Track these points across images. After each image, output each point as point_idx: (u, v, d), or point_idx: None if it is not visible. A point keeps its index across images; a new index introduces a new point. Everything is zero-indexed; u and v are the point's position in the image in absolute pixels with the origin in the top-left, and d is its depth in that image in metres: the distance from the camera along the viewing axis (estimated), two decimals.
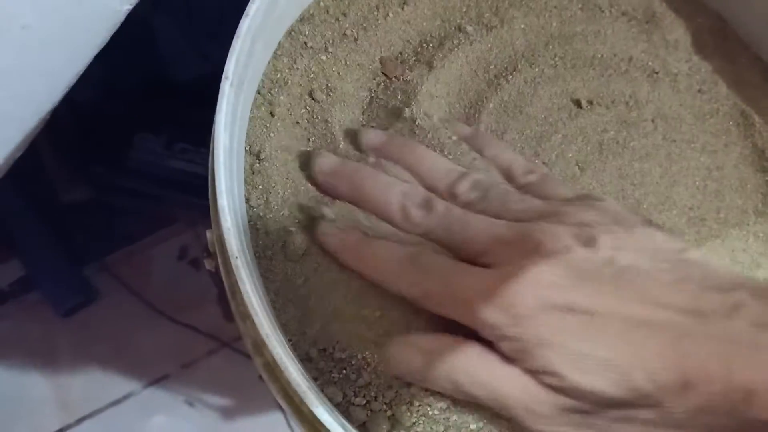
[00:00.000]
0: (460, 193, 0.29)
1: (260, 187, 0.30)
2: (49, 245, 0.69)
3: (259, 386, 0.72)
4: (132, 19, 0.35)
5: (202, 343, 0.72)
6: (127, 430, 0.70)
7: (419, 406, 0.29)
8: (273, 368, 0.26)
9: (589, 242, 0.24)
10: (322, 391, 0.28)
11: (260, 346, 0.27)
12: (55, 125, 0.38)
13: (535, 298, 0.23)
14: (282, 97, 0.32)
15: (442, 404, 0.29)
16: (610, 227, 0.25)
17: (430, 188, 0.30)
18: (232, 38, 0.28)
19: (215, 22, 0.58)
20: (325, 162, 0.30)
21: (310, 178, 0.31)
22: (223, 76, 0.28)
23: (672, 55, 0.38)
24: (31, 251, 0.69)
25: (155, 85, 0.62)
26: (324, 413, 0.24)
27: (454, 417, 0.29)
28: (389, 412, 0.29)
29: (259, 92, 0.32)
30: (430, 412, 0.29)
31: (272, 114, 0.31)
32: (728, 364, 0.21)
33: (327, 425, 0.24)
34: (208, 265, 0.31)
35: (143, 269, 0.74)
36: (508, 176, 0.30)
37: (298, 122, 0.32)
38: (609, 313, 0.23)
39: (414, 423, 0.29)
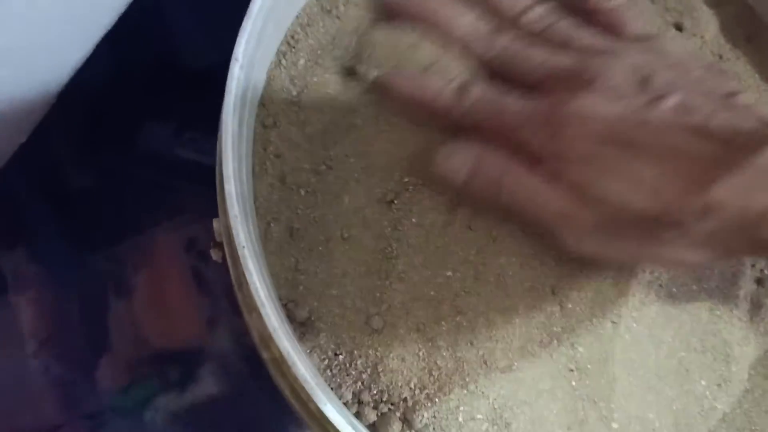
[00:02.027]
0: (527, 22, 0.30)
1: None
2: (55, 233, 0.68)
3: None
4: (143, 5, 0.35)
5: None
6: None
7: (432, 408, 0.28)
8: (280, 364, 0.25)
9: (644, 82, 0.26)
10: (331, 389, 0.26)
11: (267, 340, 0.25)
12: (64, 110, 0.37)
13: (582, 125, 0.25)
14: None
15: (453, 404, 0.28)
16: (667, 70, 0.27)
17: (498, 16, 0.30)
18: None
19: (228, 10, 0.57)
20: None
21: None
22: (232, 57, 0.26)
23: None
24: (36, 239, 0.67)
25: (165, 72, 0.61)
26: (332, 411, 0.23)
27: (468, 421, 0.28)
28: (399, 414, 0.28)
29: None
30: (442, 415, 0.28)
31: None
32: (749, 193, 0.23)
33: (336, 424, 0.23)
34: (214, 255, 0.30)
35: (149, 260, 0.73)
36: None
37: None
38: (647, 143, 0.25)
39: (425, 426, 0.28)
